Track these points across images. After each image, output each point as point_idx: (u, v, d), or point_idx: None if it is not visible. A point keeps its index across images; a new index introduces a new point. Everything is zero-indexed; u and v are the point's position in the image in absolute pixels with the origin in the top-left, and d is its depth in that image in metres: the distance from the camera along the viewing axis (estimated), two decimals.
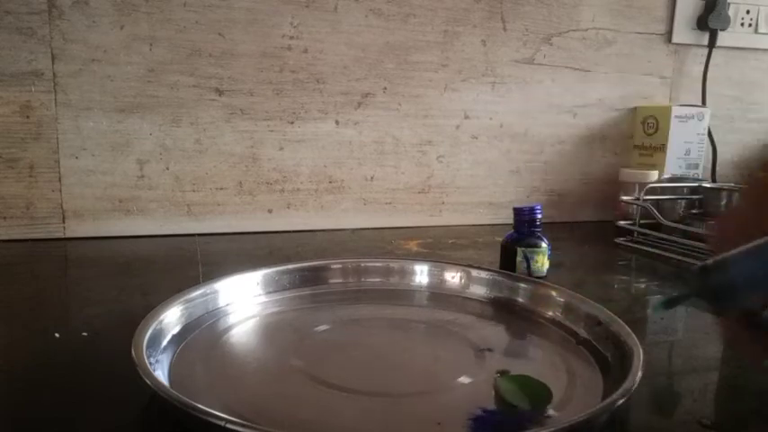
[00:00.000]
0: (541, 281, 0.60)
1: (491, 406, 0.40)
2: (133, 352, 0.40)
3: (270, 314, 0.57)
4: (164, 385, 0.37)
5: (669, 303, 0.41)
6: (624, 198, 0.95)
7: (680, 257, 0.82)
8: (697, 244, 0.84)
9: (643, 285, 0.74)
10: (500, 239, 0.70)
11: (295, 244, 0.87)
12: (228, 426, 0.32)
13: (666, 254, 0.84)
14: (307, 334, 0.52)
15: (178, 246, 0.84)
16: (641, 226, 0.92)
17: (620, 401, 0.36)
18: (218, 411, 0.33)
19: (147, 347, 0.42)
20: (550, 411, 0.40)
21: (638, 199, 0.92)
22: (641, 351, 0.43)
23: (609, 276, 0.77)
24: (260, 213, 0.93)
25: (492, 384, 0.43)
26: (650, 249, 0.87)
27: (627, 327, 0.48)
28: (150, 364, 0.40)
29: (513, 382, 0.43)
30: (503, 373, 0.44)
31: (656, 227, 0.91)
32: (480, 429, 0.38)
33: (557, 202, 1.08)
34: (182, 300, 0.51)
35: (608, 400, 0.36)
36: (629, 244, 0.90)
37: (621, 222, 0.96)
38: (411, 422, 0.39)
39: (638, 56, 1.08)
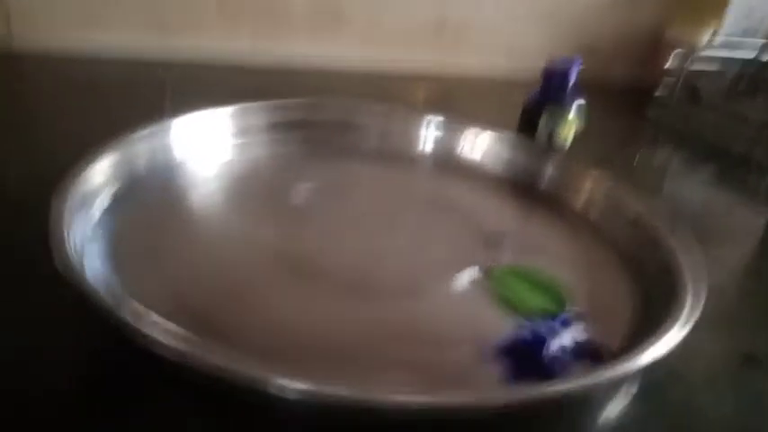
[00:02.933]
0: (575, 160, 0.50)
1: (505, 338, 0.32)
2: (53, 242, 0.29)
3: (240, 164, 0.47)
4: (88, 283, 0.27)
5: None
6: (666, 63, 0.82)
7: (718, 139, 0.72)
8: (740, 127, 0.74)
9: (678, 170, 0.65)
10: (518, 96, 0.59)
11: (283, 80, 0.76)
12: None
13: (703, 134, 0.74)
14: (283, 198, 0.43)
15: (145, 71, 0.72)
16: (680, 99, 0.81)
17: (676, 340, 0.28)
18: (169, 310, 0.25)
19: (72, 220, 0.32)
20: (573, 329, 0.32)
21: (681, 66, 0.79)
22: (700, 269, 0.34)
23: (638, 155, 0.68)
24: (245, 41, 0.80)
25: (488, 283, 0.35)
26: (684, 127, 0.76)
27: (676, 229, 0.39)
28: (74, 248, 0.31)
29: (519, 279, 0.35)
30: (489, 270, 0.37)
31: (697, 100, 0.80)
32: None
33: (585, 57, 0.94)
34: (125, 144, 0.41)
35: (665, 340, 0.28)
36: (663, 118, 0.79)
37: (657, 92, 0.84)
38: (402, 332, 0.31)
39: None
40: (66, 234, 0.29)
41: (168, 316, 0.29)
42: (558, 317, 0.33)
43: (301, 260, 0.35)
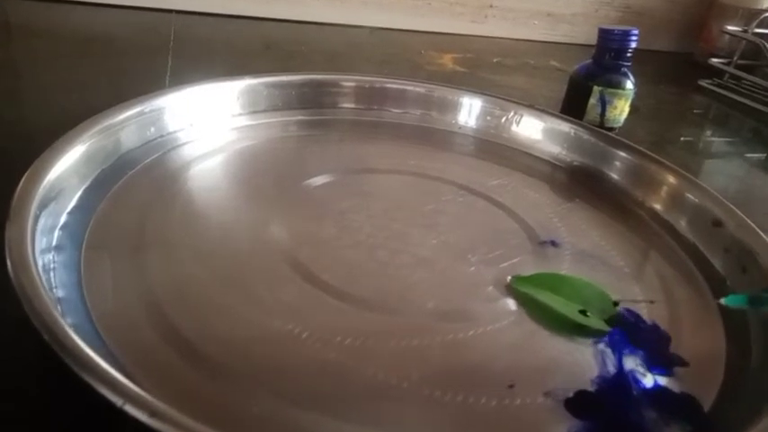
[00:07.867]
0: (643, 149, 0.42)
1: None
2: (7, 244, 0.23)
3: (246, 150, 0.41)
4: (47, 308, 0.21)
5: (754, 302, 0.29)
6: (728, 28, 0.73)
7: None
8: None
9: (741, 152, 0.57)
10: (556, 63, 0.52)
11: (299, 40, 0.68)
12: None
13: (762, 107, 0.66)
14: (296, 190, 0.37)
15: (148, 24, 0.65)
16: (737, 67, 0.73)
17: None
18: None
19: (40, 214, 0.26)
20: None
21: (745, 31, 0.71)
22: None
23: (693, 131, 0.60)
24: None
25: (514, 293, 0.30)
26: (740, 99, 0.69)
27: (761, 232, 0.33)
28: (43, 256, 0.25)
29: (556, 286, 0.30)
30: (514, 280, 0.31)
31: (753, 70, 0.72)
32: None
33: (632, 22, 0.85)
34: (110, 121, 0.34)
35: None
36: (715, 88, 0.72)
37: (714, 60, 0.75)
38: (448, 366, 0.25)
39: None
40: (30, 261, 0.23)
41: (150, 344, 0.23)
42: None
43: (314, 266, 0.29)
